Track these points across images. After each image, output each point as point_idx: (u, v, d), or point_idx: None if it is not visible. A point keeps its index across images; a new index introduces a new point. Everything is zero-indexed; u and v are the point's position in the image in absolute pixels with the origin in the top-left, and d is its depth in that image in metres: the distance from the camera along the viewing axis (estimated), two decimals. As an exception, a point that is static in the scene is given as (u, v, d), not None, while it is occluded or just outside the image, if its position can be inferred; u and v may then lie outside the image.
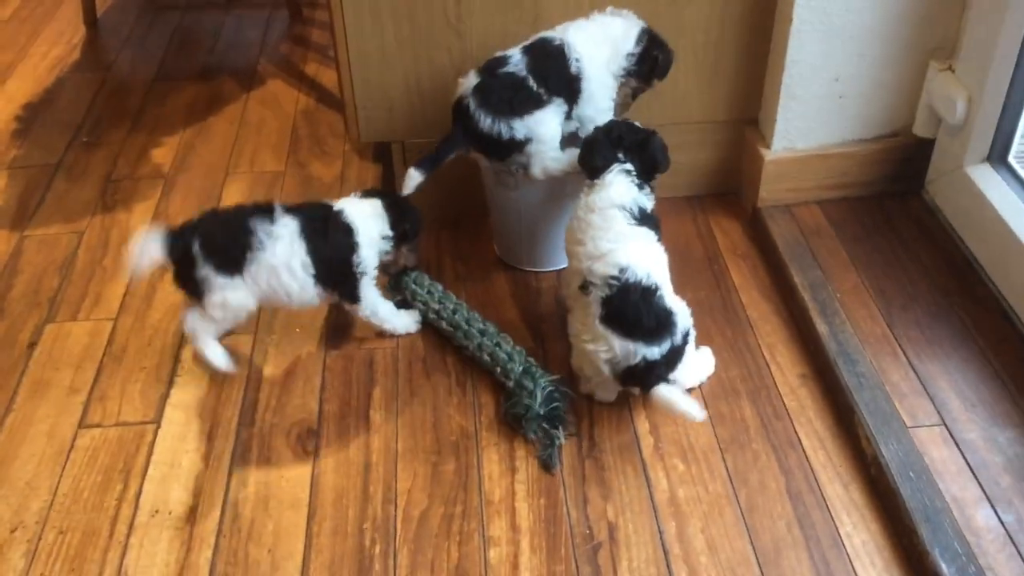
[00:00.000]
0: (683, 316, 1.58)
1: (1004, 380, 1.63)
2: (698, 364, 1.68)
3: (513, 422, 1.62)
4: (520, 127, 1.69)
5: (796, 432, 1.61)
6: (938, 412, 1.59)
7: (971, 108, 1.83)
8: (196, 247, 1.56)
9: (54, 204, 2.21)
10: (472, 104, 1.69)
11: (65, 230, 2.12)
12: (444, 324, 1.78)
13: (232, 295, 1.59)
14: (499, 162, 1.76)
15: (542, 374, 1.64)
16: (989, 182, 1.84)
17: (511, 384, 1.65)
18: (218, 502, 1.52)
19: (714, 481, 1.53)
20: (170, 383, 1.73)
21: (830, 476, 1.53)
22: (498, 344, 1.70)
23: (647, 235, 1.60)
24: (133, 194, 2.23)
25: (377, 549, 1.44)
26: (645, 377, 1.52)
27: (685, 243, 2.01)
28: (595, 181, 1.64)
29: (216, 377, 1.73)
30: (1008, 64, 1.77)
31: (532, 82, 1.69)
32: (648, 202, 1.65)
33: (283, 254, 1.59)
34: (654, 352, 1.51)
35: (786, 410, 1.65)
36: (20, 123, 2.53)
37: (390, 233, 1.69)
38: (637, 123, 1.71)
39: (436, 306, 1.79)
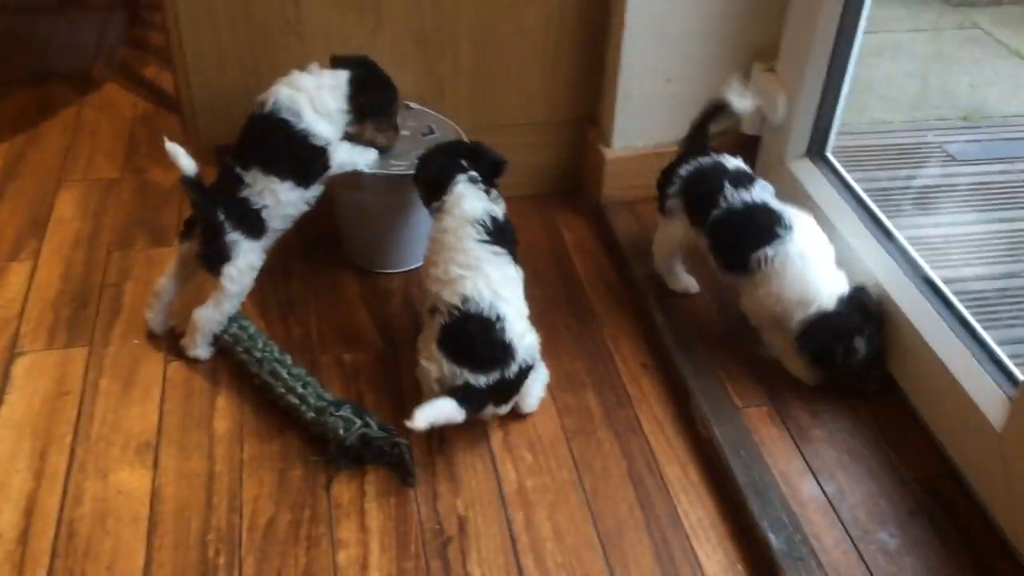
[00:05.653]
0: (526, 349, 1.56)
1: (826, 360, 1.74)
2: (535, 387, 1.66)
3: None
4: None
5: (638, 418, 1.67)
6: (766, 393, 1.68)
7: (791, 106, 1.94)
8: (221, 216, 1.65)
9: None
10: None
11: None
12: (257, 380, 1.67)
13: (253, 257, 1.70)
14: None
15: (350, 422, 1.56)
16: (809, 176, 1.95)
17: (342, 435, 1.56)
18: (52, 521, 1.46)
19: (560, 469, 1.57)
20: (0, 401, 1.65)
21: (668, 458, 1.60)
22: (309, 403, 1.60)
23: (500, 257, 1.59)
24: (-44, 205, 2.11)
25: (221, 560, 1.41)
26: (462, 399, 1.50)
27: (531, 240, 2.05)
28: (443, 199, 1.63)
29: (49, 393, 1.66)
30: (822, 64, 1.88)
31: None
32: (499, 210, 1.64)
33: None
34: (480, 380, 1.52)
35: (628, 398, 1.71)
36: None
37: (345, 106, 1.72)
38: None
39: (244, 356, 1.68)
